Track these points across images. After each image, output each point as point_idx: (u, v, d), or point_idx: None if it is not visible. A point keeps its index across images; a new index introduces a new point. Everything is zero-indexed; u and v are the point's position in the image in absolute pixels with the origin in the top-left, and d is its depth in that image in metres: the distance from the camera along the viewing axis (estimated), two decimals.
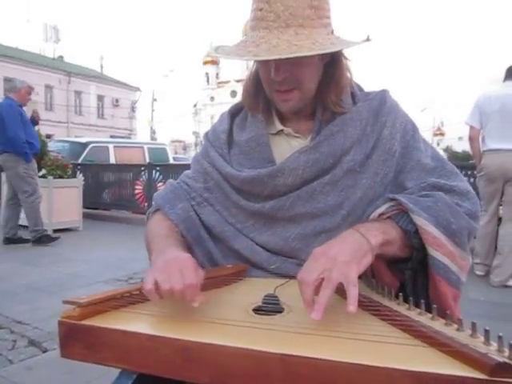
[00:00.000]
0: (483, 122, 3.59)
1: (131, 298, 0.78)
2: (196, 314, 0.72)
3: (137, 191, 7.57)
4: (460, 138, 39.72)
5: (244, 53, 0.82)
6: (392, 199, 0.84)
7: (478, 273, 3.69)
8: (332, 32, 0.88)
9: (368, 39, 0.84)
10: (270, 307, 0.74)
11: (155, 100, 36.51)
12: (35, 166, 5.13)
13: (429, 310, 0.68)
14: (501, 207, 3.63)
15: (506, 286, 3.46)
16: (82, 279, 3.58)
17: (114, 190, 8.07)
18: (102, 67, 35.91)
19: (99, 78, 33.05)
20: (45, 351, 2.22)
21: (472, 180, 4.01)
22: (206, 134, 1.11)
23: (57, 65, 29.76)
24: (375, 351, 0.58)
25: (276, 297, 0.78)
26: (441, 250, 0.79)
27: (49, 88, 27.96)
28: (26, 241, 5.05)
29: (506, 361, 0.50)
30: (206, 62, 64.12)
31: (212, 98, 63.02)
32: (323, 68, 0.92)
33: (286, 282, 0.87)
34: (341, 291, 0.73)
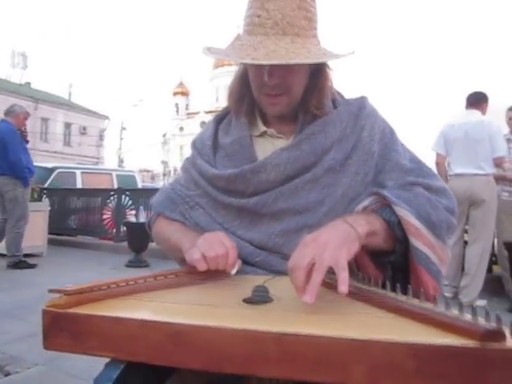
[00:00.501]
0: (448, 148, 3.76)
1: (119, 288, 0.76)
2: (186, 303, 0.71)
3: (105, 216, 7.42)
4: None
5: (243, 55, 0.85)
6: (375, 193, 0.87)
7: (446, 294, 3.76)
8: (319, 43, 0.93)
9: (353, 52, 0.90)
10: (260, 297, 0.74)
11: (124, 129, 36.30)
12: (30, 190, 5.10)
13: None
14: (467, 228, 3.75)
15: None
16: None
17: (82, 215, 7.88)
18: (70, 94, 35.52)
19: (67, 105, 32.62)
20: (7, 375, 2.11)
21: None
22: (194, 142, 1.14)
23: (24, 91, 29.24)
24: (368, 327, 0.59)
25: (265, 288, 0.78)
26: (422, 241, 0.82)
27: None
28: None
29: (495, 327, 0.52)
30: (175, 93, 64.55)
31: (181, 129, 63.10)
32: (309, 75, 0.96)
33: (273, 277, 0.88)
34: (327, 284, 0.75)
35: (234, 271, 0.88)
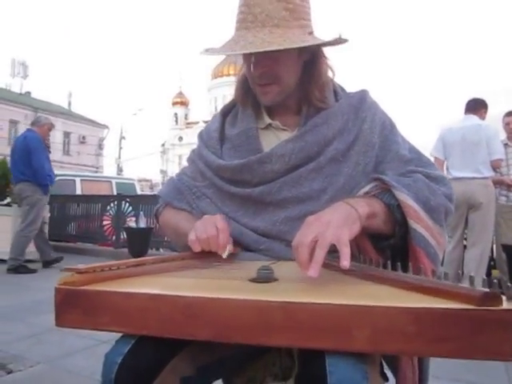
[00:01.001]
0: (446, 153, 3.80)
1: (129, 269, 0.79)
2: (196, 281, 0.73)
3: (105, 222, 7.42)
4: None
5: (225, 49, 0.92)
6: (376, 179, 0.90)
7: None
8: (311, 33, 0.96)
9: (341, 39, 0.94)
10: (265, 277, 0.76)
11: (123, 138, 36.36)
12: (48, 198, 5.20)
13: None
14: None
15: None
16: (47, 306, 3.41)
17: (82, 221, 7.88)
18: (69, 104, 35.62)
19: (66, 114, 32.67)
20: (10, 372, 2.12)
21: None
22: (200, 134, 1.17)
23: (23, 100, 29.35)
24: (371, 296, 0.62)
25: (270, 268, 0.80)
26: (421, 224, 0.85)
27: (13, 123, 27.41)
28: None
29: (492, 291, 0.54)
30: (175, 103, 64.74)
31: (180, 138, 63.22)
32: (303, 65, 1.00)
33: (277, 261, 0.91)
34: (330, 266, 0.77)
35: (225, 254, 0.89)
